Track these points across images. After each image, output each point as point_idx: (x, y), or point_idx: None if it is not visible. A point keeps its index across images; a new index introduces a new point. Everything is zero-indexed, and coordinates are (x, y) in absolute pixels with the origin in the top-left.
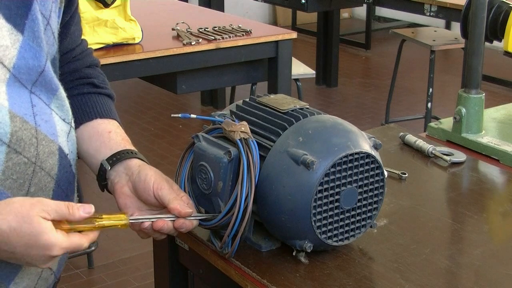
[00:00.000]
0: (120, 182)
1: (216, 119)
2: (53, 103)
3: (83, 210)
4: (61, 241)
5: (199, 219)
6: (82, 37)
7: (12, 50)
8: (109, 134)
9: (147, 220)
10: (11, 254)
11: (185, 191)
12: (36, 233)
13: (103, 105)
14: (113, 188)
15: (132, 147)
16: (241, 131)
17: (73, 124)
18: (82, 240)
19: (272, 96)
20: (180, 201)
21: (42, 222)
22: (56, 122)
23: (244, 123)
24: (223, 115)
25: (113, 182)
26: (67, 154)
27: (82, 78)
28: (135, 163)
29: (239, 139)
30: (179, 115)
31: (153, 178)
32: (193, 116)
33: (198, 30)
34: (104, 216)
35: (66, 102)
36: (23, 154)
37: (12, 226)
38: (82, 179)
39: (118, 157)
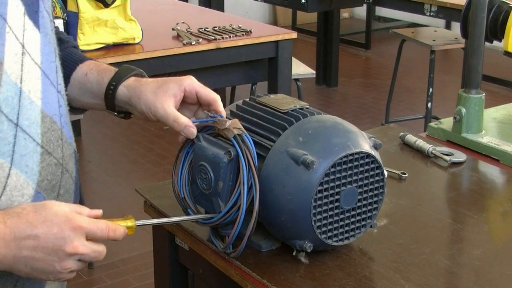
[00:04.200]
0: (134, 113)
1: (207, 120)
2: (66, 102)
3: (89, 212)
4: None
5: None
6: (82, 36)
7: (36, 47)
8: (86, 77)
9: (157, 224)
10: (34, 241)
11: (183, 190)
12: (67, 217)
13: (72, 56)
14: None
15: (106, 73)
16: (233, 128)
17: None
18: (100, 247)
19: (272, 96)
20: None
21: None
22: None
23: (235, 119)
24: (218, 114)
25: (132, 112)
26: (78, 157)
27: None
28: (121, 96)
29: (233, 137)
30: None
31: (147, 110)
32: None
33: (198, 30)
34: (109, 220)
35: None
36: (53, 155)
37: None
38: (82, 179)
39: (109, 100)
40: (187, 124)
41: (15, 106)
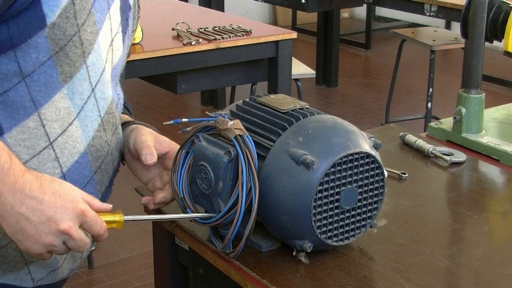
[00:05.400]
0: (125, 153)
1: (208, 119)
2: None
3: (99, 204)
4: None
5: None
6: None
7: (117, 52)
8: None
9: (143, 220)
10: (37, 204)
11: (182, 190)
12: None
13: None
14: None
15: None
16: (235, 128)
17: None
18: (87, 239)
19: (272, 96)
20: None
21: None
22: None
23: (237, 120)
24: (220, 114)
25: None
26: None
27: None
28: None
29: (234, 137)
30: (171, 121)
31: (129, 140)
32: (184, 120)
33: (198, 30)
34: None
35: None
36: (106, 134)
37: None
38: None
39: None
40: (151, 152)
41: (97, 76)
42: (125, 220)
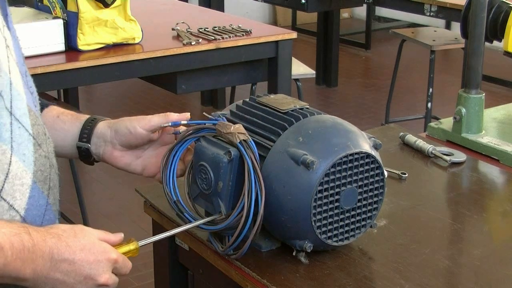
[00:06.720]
0: (106, 151)
1: (210, 121)
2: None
3: (114, 239)
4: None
5: (204, 223)
6: (82, 36)
7: (11, 46)
8: (59, 119)
9: (157, 239)
10: (70, 266)
11: (174, 192)
12: (101, 246)
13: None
14: (104, 159)
15: (83, 115)
16: (238, 132)
17: None
18: (117, 279)
19: (272, 96)
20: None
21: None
22: None
23: (239, 124)
24: (223, 115)
25: (100, 154)
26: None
27: None
28: (101, 128)
29: (239, 142)
30: (169, 124)
31: (132, 124)
32: (183, 122)
33: (198, 30)
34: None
35: None
36: (42, 148)
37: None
38: (82, 179)
39: (86, 132)
40: (169, 113)
41: (8, 95)
42: (140, 246)
